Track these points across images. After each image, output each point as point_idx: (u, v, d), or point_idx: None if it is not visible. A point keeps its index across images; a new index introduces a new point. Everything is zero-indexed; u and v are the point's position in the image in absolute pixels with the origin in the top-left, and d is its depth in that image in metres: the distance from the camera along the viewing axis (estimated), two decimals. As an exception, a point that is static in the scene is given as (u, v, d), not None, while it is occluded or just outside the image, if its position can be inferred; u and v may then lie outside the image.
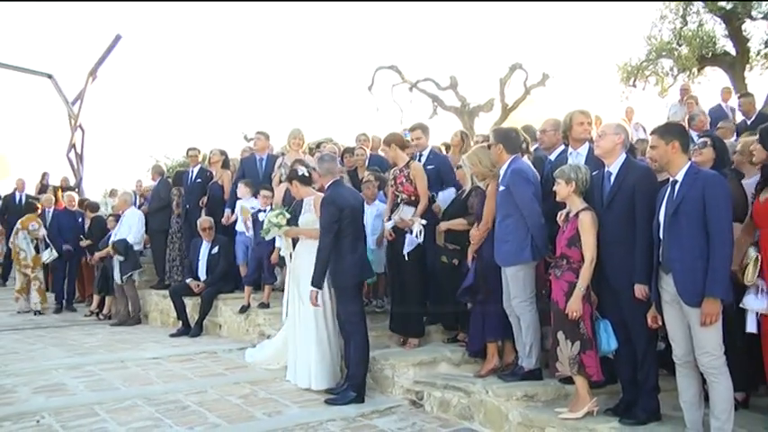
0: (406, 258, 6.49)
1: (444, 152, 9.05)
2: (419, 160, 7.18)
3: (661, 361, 4.79)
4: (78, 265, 11.96)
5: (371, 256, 6.72)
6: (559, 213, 5.05)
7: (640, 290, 4.45)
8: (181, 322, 9.11)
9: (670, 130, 4.40)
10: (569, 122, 5.65)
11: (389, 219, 6.81)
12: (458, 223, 6.13)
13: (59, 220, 11.90)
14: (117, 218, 10.94)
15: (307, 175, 6.40)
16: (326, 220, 5.83)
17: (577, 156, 5.58)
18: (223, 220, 9.37)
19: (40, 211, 11.96)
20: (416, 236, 6.47)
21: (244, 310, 8.45)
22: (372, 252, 6.87)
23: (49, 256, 11.36)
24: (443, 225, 6.32)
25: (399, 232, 6.64)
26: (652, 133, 4.50)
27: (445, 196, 6.89)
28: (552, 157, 6.06)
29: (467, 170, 6.16)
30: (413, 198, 6.70)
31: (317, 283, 5.81)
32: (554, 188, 4.98)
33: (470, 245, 5.84)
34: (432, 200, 6.84)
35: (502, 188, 5.42)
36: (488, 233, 5.64)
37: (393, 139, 6.98)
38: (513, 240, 5.30)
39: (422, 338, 6.74)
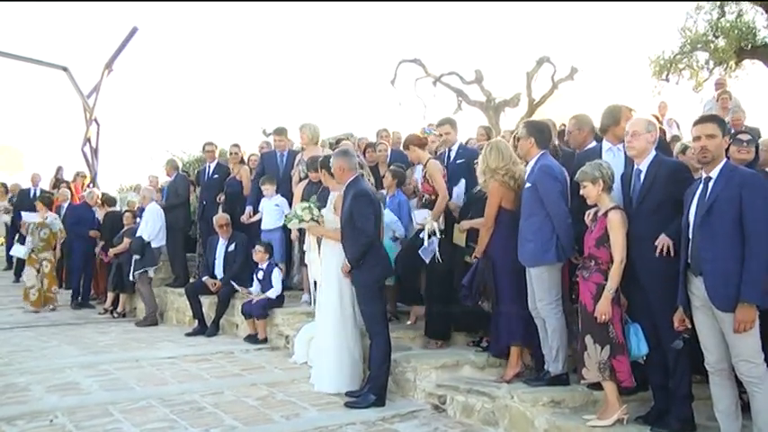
0: (437, 261, 6.55)
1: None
2: (448, 156, 7.22)
3: (695, 367, 4.73)
4: (94, 261, 12.08)
5: (390, 253, 6.73)
6: (587, 212, 5.03)
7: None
8: (197, 321, 9.18)
9: (723, 124, 4.31)
10: (616, 118, 5.54)
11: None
12: (478, 222, 6.09)
13: (76, 214, 12.02)
14: (134, 214, 11.08)
15: None
16: (365, 209, 5.88)
17: (618, 152, 5.50)
18: (243, 218, 9.37)
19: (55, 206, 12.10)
20: (428, 238, 6.49)
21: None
22: (391, 249, 6.87)
23: (21, 251, 11.45)
24: (465, 224, 6.30)
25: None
26: (705, 122, 4.30)
27: (458, 191, 6.89)
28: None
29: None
30: (433, 197, 6.75)
31: (353, 260, 5.91)
32: (581, 192, 4.96)
33: (477, 245, 5.84)
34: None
35: (528, 185, 5.39)
36: (498, 232, 5.65)
37: (410, 141, 7.12)
38: (537, 240, 5.26)
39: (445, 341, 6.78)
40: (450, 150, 7.30)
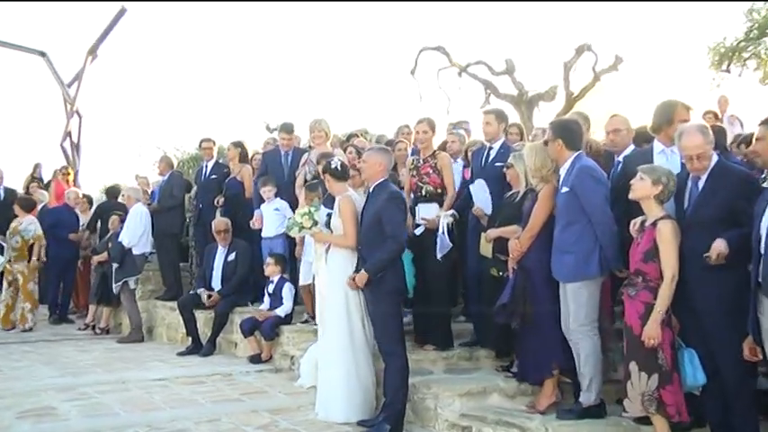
0: (440, 259, 6.78)
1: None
2: (487, 154, 7.20)
3: (760, 404, 4.69)
4: (75, 270, 12.14)
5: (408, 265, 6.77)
6: (633, 222, 5.02)
7: None
8: (191, 339, 9.19)
9: None
10: (669, 116, 5.55)
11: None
12: (510, 231, 6.10)
13: (54, 217, 11.98)
14: (121, 217, 11.07)
15: (340, 168, 6.45)
16: (398, 214, 5.98)
17: (672, 155, 5.48)
18: (252, 222, 9.31)
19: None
20: (444, 232, 6.64)
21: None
22: (408, 263, 6.89)
23: None
24: (493, 233, 6.32)
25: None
26: (762, 123, 4.35)
27: (476, 189, 6.93)
28: (625, 154, 6.02)
29: (520, 168, 6.17)
30: (438, 191, 7.01)
31: (375, 269, 5.92)
32: (632, 182, 4.93)
33: (511, 256, 5.85)
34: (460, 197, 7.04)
35: (565, 190, 5.39)
36: (534, 242, 5.66)
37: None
38: (577, 251, 5.27)
39: (469, 362, 6.88)
40: (489, 149, 7.25)
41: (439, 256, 6.80)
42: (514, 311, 5.67)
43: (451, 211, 6.87)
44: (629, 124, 6.32)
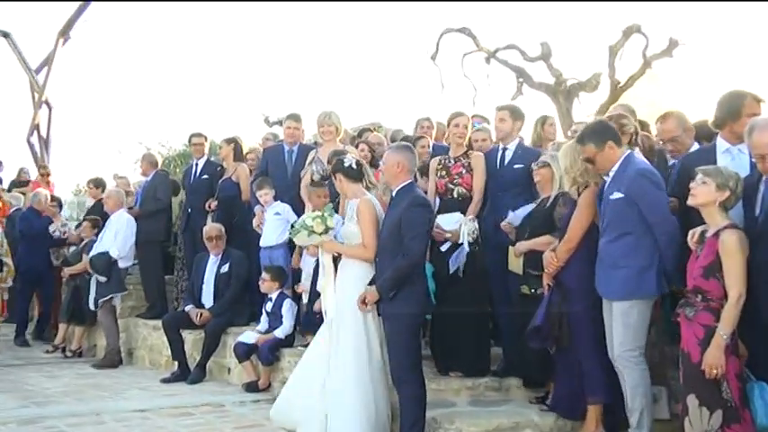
0: (454, 273, 6.85)
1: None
2: (502, 157, 7.29)
3: None
4: (51, 280, 12.06)
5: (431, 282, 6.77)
6: (692, 232, 5.00)
7: None
8: (176, 363, 9.20)
9: None
10: (736, 110, 5.51)
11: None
12: (543, 242, 6.13)
13: (26, 223, 11.96)
14: (95, 223, 11.11)
15: (355, 167, 6.43)
16: (420, 225, 5.95)
17: (739, 154, 5.46)
18: (254, 222, 9.24)
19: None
20: (466, 242, 6.72)
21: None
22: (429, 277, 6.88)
23: None
24: (523, 245, 6.37)
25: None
26: None
27: (520, 212, 6.91)
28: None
29: (556, 170, 6.20)
30: (471, 194, 7.12)
31: (387, 287, 5.91)
32: (691, 186, 4.91)
33: (545, 271, 5.85)
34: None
35: (617, 196, 5.37)
36: (573, 255, 5.68)
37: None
38: (630, 266, 5.28)
39: (498, 392, 6.83)
40: (504, 150, 7.32)
41: (452, 269, 6.84)
42: (549, 334, 5.69)
43: (471, 217, 6.91)
44: (687, 121, 6.26)
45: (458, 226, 6.91)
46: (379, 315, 6.11)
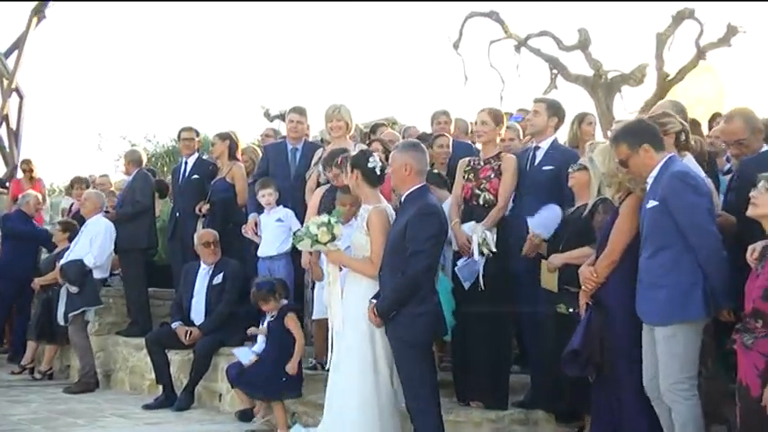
0: (472, 288, 6.85)
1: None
2: (533, 155, 7.29)
3: None
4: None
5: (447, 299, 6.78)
6: (751, 248, 4.97)
7: None
8: (161, 387, 9.21)
9: None
10: None
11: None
12: (579, 255, 6.14)
13: (10, 228, 12.03)
14: (68, 227, 11.14)
15: (378, 172, 6.39)
16: (425, 236, 5.91)
17: None
18: (245, 228, 9.28)
19: None
20: (476, 254, 6.72)
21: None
22: (447, 299, 6.89)
23: None
24: (557, 259, 6.36)
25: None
26: None
27: (543, 220, 6.88)
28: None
29: (594, 174, 6.20)
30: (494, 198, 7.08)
31: (385, 308, 5.95)
32: (752, 195, 4.89)
33: (582, 288, 5.82)
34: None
35: (652, 204, 5.34)
36: (615, 270, 5.63)
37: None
38: (671, 285, 5.21)
39: (525, 426, 6.83)
40: (535, 149, 7.32)
41: (465, 284, 6.84)
42: (589, 360, 5.63)
43: (489, 234, 6.83)
44: (756, 121, 6.14)
45: (471, 231, 6.91)
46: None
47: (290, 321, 8.00)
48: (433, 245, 5.99)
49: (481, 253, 6.78)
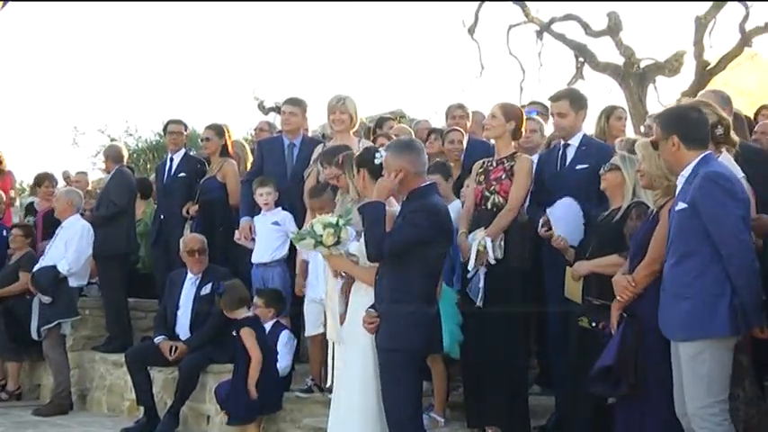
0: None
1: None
2: (563, 153, 7.34)
3: None
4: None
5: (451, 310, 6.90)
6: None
7: None
8: (142, 409, 9.20)
9: None
10: None
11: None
12: (608, 264, 6.13)
13: None
14: (27, 231, 11.19)
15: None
16: (411, 232, 5.83)
17: None
18: (237, 235, 9.29)
19: None
20: (473, 264, 6.77)
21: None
22: (450, 314, 6.98)
23: None
24: (583, 267, 6.38)
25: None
26: None
27: (559, 213, 6.93)
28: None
29: (629, 175, 6.18)
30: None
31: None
32: None
33: (617, 299, 5.79)
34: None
35: (681, 206, 5.27)
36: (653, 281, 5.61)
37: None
38: (695, 296, 5.13)
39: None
40: (565, 147, 7.36)
41: (474, 298, 6.89)
42: (622, 378, 5.64)
43: (490, 243, 6.83)
44: None
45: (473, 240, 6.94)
46: None
47: (244, 335, 8.00)
48: (419, 240, 5.82)
49: (481, 263, 6.81)
